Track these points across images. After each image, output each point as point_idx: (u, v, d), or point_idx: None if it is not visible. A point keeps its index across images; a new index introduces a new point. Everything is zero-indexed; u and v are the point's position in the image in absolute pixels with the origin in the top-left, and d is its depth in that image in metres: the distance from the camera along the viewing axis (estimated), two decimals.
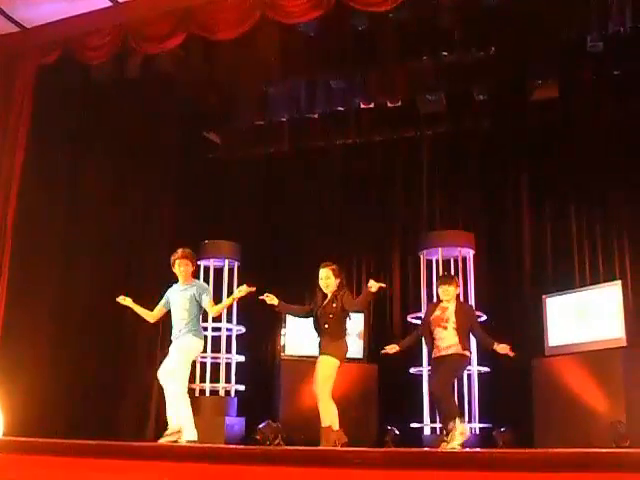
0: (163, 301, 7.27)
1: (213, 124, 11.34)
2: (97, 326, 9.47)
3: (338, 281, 7.24)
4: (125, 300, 7.35)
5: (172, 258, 7.19)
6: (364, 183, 11.60)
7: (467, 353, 7.39)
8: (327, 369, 6.97)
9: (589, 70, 9.17)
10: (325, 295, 7.28)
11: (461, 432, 6.89)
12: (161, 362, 7.10)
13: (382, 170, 11.65)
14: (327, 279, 7.24)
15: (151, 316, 7.37)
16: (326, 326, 7.10)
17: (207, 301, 7.09)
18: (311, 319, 7.34)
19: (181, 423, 6.73)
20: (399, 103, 10.24)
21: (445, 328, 7.37)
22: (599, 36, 8.37)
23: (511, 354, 7.33)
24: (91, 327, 9.41)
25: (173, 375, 6.83)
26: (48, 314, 9.08)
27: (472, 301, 9.83)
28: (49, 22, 8.70)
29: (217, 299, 9.68)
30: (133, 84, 9.11)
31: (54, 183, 9.27)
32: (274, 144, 11.42)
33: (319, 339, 7.17)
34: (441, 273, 9.72)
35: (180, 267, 7.14)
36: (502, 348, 7.35)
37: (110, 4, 8.39)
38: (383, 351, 7.81)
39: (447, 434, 7.03)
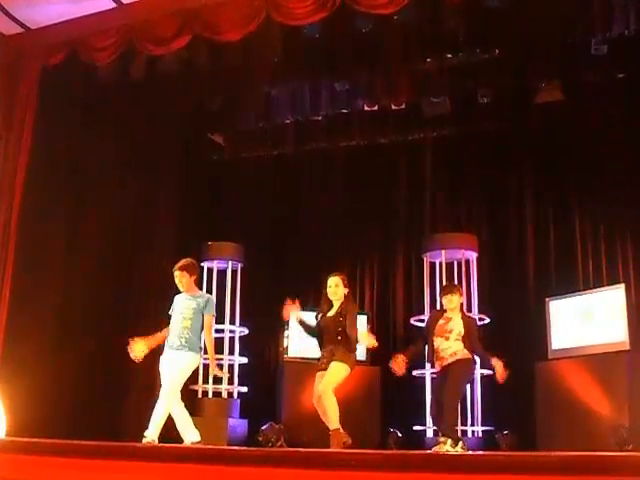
0: (171, 311, 7.21)
1: (217, 126, 11.34)
2: (99, 327, 9.48)
3: (346, 291, 7.18)
4: (137, 345, 7.00)
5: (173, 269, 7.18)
6: (368, 185, 11.59)
7: (470, 355, 7.35)
8: (339, 375, 6.89)
9: (593, 73, 9.16)
10: (330, 303, 7.26)
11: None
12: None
13: (386, 172, 11.64)
14: (336, 287, 7.14)
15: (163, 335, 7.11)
16: (339, 338, 7.00)
17: (208, 319, 7.03)
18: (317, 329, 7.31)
19: (183, 428, 6.73)
20: (403, 105, 10.26)
21: (447, 339, 7.30)
22: (603, 39, 8.37)
23: (501, 375, 7.30)
24: (93, 328, 9.42)
25: (173, 392, 6.80)
26: (51, 315, 9.09)
27: (475, 304, 9.84)
28: (54, 23, 8.73)
29: (220, 301, 9.74)
30: (138, 85, 9.13)
31: (57, 183, 9.28)
32: (278, 146, 11.42)
33: (328, 347, 7.06)
34: (445, 277, 9.71)
35: (176, 278, 7.11)
36: (497, 363, 7.29)
37: (115, 5, 8.41)
38: (393, 367, 7.45)
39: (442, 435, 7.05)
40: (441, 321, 7.45)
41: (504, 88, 9.75)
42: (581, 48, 8.61)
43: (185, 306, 7.02)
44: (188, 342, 6.89)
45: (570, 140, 10.36)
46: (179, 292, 7.21)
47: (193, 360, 7.01)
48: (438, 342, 7.32)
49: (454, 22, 8.24)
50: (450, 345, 7.27)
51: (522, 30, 8.41)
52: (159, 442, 6.66)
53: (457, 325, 7.34)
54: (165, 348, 6.99)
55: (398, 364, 7.38)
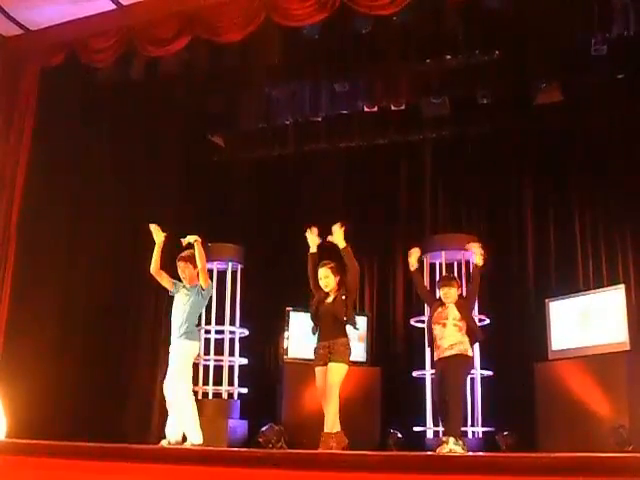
0: (171, 280, 7.28)
1: (217, 127, 11.34)
2: (100, 327, 9.49)
3: (338, 278, 7.19)
4: (158, 233, 7.27)
5: (176, 261, 7.22)
6: (368, 186, 11.59)
7: (470, 353, 7.35)
8: (339, 376, 6.92)
9: (593, 74, 9.15)
10: (327, 294, 7.27)
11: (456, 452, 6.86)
12: (166, 365, 7.12)
13: (386, 173, 11.63)
14: (326, 278, 7.17)
15: (155, 268, 7.22)
16: (345, 318, 7.03)
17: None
18: (311, 310, 7.32)
19: (186, 427, 6.74)
20: (403, 106, 10.24)
21: (444, 326, 7.29)
22: (603, 40, 8.37)
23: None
24: (94, 328, 9.44)
25: (178, 382, 6.83)
26: (51, 316, 9.10)
27: (475, 304, 9.79)
28: (53, 24, 8.73)
29: (220, 302, 9.76)
30: (137, 86, 9.13)
31: (58, 184, 9.29)
32: (278, 147, 11.42)
33: (325, 341, 7.09)
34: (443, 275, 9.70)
35: (179, 269, 7.16)
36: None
37: (115, 7, 8.41)
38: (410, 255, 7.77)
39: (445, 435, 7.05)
40: (439, 309, 7.47)
41: (504, 89, 9.75)
42: (581, 49, 8.61)
43: (183, 296, 7.11)
44: (187, 330, 7.01)
45: (570, 141, 10.36)
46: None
47: (192, 347, 7.10)
48: (436, 330, 7.34)
49: (454, 23, 8.25)
50: (448, 334, 7.25)
51: (522, 31, 8.43)
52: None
53: (452, 311, 7.35)
54: (171, 347, 7.12)
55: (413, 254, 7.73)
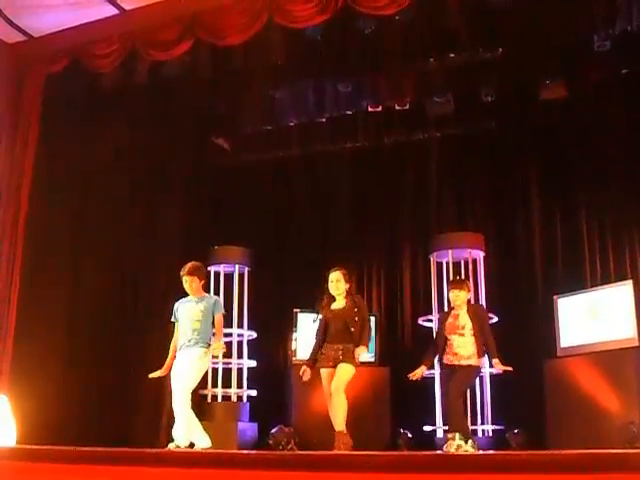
0: (174, 319, 7.23)
1: (221, 130, 11.34)
2: (109, 333, 9.50)
3: (348, 286, 7.23)
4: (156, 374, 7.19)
5: (180, 274, 7.17)
6: (373, 186, 11.57)
7: (480, 363, 7.35)
8: (348, 376, 6.98)
9: (597, 69, 9.14)
10: (332, 298, 7.26)
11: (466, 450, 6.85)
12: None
13: (391, 173, 11.59)
14: (337, 282, 7.21)
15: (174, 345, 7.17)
16: (352, 329, 7.07)
17: (219, 317, 7.07)
18: (319, 324, 7.33)
19: (192, 433, 6.72)
20: (407, 106, 10.23)
21: (462, 335, 7.27)
22: (606, 35, 8.35)
23: (503, 369, 7.38)
24: (103, 334, 9.44)
25: (184, 387, 6.80)
26: (60, 322, 9.12)
27: (483, 303, 9.79)
28: (57, 31, 8.76)
29: (227, 305, 9.75)
30: (141, 90, 9.14)
31: (63, 189, 9.31)
32: (283, 149, 11.42)
33: (336, 344, 7.12)
34: (452, 276, 9.67)
35: (186, 283, 7.10)
36: (497, 365, 7.36)
37: (117, 12, 8.43)
38: (412, 376, 7.51)
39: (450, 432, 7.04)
40: (450, 319, 7.43)
41: (508, 86, 9.73)
42: (584, 45, 8.60)
43: (193, 310, 7.03)
44: (198, 341, 6.91)
45: (575, 136, 10.31)
46: (183, 296, 7.22)
47: (203, 353, 7.00)
48: (452, 339, 7.30)
49: (456, 21, 8.23)
50: (466, 343, 7.23)
51: (525, 28, 8.40)
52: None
53: (465, 320, 7.33)
54: (177, 354, 7.02)
55: (416, 375, 7.47)
